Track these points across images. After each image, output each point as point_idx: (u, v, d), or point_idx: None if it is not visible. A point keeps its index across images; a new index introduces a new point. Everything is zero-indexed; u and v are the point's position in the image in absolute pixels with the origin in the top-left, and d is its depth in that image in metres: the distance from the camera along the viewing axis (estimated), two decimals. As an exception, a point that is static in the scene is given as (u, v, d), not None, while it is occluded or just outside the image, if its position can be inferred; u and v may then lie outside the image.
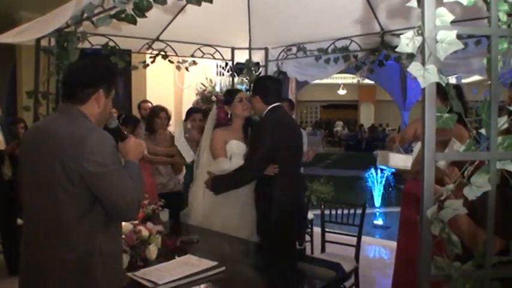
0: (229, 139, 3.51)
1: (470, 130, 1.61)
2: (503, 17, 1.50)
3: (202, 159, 3.70)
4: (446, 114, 1.46)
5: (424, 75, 1.40)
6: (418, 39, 1.43)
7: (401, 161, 3.40)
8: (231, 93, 3.69)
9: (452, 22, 1.44)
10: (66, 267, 1.86)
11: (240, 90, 3.97)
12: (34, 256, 1.94)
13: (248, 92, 5.44)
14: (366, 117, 28.59)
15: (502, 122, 1.50)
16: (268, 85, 3.46)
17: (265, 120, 3.37)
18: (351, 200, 6.64)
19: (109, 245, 1.95)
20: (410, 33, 1.44)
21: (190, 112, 4.94)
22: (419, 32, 1.43)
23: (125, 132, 2.25)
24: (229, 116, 3.62)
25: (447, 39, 1.41)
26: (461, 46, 1.40)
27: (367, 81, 19.51)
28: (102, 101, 2.04)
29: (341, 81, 24.43)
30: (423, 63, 1.42)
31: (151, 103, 5.78)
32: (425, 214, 1.45)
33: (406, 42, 1.44)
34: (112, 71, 2.16)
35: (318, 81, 6.31)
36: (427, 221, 1.45)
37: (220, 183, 3.41)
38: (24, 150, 2.07)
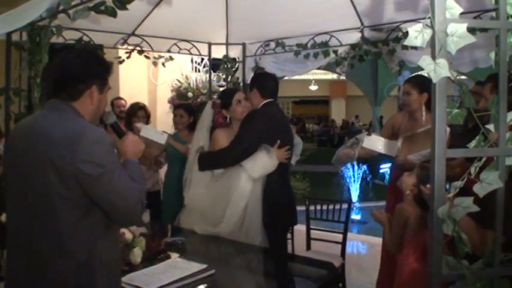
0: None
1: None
2: (511, 11, 1.46)
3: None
4: (456, 110, 1.42)
5: (435, 69, 1.35)
6: (428, 32, 1.38)
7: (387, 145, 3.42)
8: (227, 96, 3.51)
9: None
10: (64, 278, 1.70)
11: (236, 90, 3.84)
12: (27, 269, 1.75)
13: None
14: (338, 112, 28.75)
15: (511, 117, 1.47)
16: (266, 80, 3.49)
17: (258, 112, 3.33)
18: (328, 195, 6.64)
19: (109, 253, 1.81)
20: (419, 26, 1.39)
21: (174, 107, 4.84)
22: (429, 24, 1.38)
23: (123, 129, 2.06)
24: (228, 119, 3.48)
25: (458, 32, 1.36)
26: (473, 40, 1.37)
27: (336, 76, 19.60)
28: (96, 97, 1.87)
29: (312, 77, 24.52)
30: (433, 57, 1.37)
31: (125, 100, 5.58)
32: (435, 213, 1.40)
33: (415, 35, 1.39)
34: (106, 64, 1.97)
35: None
36: (438, 220, 1.40)
37: (203, 161, 3.39)
38: (11, 153, 1.86)
